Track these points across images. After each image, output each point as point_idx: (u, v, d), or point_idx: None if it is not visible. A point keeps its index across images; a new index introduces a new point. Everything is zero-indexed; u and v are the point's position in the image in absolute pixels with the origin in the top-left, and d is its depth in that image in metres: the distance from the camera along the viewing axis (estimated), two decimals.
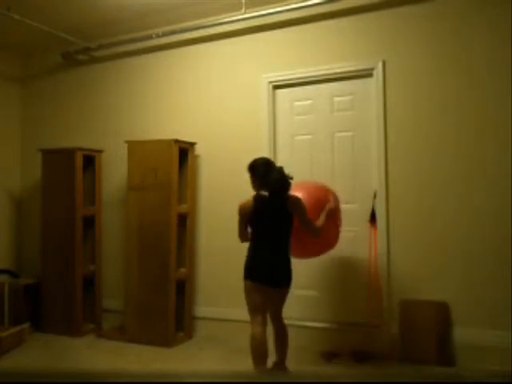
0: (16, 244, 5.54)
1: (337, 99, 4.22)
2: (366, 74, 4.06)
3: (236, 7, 4.31)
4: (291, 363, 3.40)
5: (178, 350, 4.20)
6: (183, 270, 4.51)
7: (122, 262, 4.69)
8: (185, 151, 4.52)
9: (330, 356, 3.86)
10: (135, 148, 4.52)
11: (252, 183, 3.36)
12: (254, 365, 3.19)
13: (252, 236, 3.30)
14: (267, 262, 3.22)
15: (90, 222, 4.90)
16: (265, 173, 3.29)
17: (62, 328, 4.67)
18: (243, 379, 3.38)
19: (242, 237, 3.35)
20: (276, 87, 4.41)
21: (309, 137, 4.31)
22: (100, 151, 5.01)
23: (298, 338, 3.91)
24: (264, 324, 3.23)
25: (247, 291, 3.25)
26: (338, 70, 4.14)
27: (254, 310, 3.23)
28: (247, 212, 3.26)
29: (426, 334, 3.68)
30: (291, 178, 3.24)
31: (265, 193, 3.26)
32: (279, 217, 3.25)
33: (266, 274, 3.21)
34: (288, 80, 4.33)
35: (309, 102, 4.32)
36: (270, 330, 3.29)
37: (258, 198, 3.26)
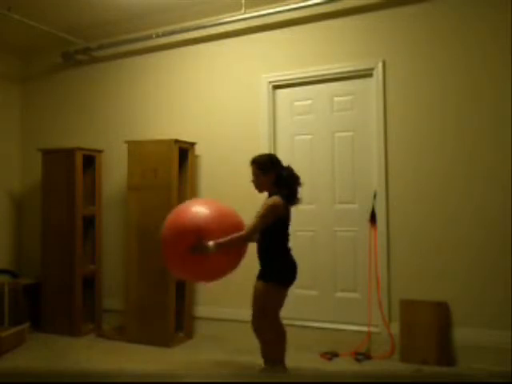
0: (16, 244, 5.54)
1: (337, 99, 4.22)
2: (366, 74, 4.06)
3: (236, 7, 4.31)
4: (291, 363, 3.40)
5: (178, 349, 4.20)
6: None
7: (122, 262, 4.69)
8: (185, 151, 4.51)
9: (330, 356, 3.86)
10: (135, 148, 4.52)
11: (261, 180, 3.21)
12: (282, 358, 3.23)
13: (280, 240, 3.17)
14: (295, 264, 3.23)
15: (90, 222, 4.90)
16: (281, 168, 3.22)
17: (62, 328, 4.67)
18: (243, 379, 3.38)
19: (254, 236, 3.14)
20: (276, 87, 4.41)
21: (309, 137, 4.31)
22: (100, 151, 5.01)
23: (298, 338, 3.91)
24: None
25: (281, 297, 3.19)
26: (338, 70, 4.14)
27: (278, 311, 3.24)
28: (282, 214, 3.11)
29: (426, 334, 3.68)
30: None
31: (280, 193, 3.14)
32: (288, 217, 3.23)
33: (295, 275, 3.23)
34: (288, 80, 4.33)
35: (309, 101, 4.32)
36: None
37: (284, 199, 3.12)
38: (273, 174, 3.19)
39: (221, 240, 3.03)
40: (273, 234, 3.14)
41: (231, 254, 3.19)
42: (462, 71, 3.74)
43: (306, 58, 4.27)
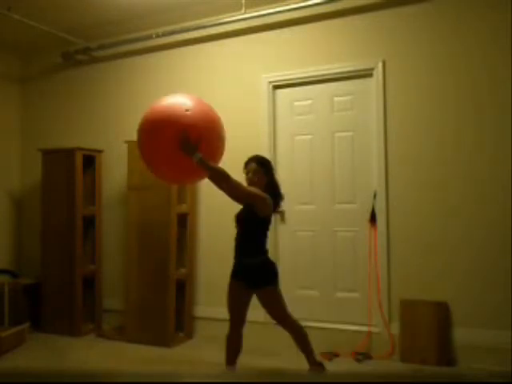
0: (16, 244, 5.54)
1: (337, 99, 4.22)
2: (366, 74, 4.06)
3: (236, 7, 4.31)
4: (291, 363, 3.40)
5: (178, 349, 4.20)
6: (183, 269, 4.50)
7: (122, 262, 4.69)
8: None
9: (329, 356, 3.86)
10: (135, 148, 4.50)
11: (259, 178, 3.21)
12: (227, 360, 3.24)
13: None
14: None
15: (90, 222, 4.90)
16: (273, 175, 3.29)
17: (62, 328, 4.67)
18: (243, 379, 3.37)
19: (237, 194, 3.19)
20: (276, 87, 4.41)
21: (309, 137, 4.31)
22: (100, 151, 5.01)
23: None
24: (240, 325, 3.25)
25: (230, 289, 3.28)
26: (338, 70, 4.14)
27: (231, 310, 3.30)
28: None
29: (426, 334, 3.68)
30: None
31: None
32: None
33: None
34: (288, 80, 4.33)
35: (309, 102, 4.32)
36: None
37: None
38: (267, 177, 3.22)
39: (211, 162, 3.06)
40: None
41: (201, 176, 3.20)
42: (462, 71, 3.74)
43: (305, 58, 4.27)
